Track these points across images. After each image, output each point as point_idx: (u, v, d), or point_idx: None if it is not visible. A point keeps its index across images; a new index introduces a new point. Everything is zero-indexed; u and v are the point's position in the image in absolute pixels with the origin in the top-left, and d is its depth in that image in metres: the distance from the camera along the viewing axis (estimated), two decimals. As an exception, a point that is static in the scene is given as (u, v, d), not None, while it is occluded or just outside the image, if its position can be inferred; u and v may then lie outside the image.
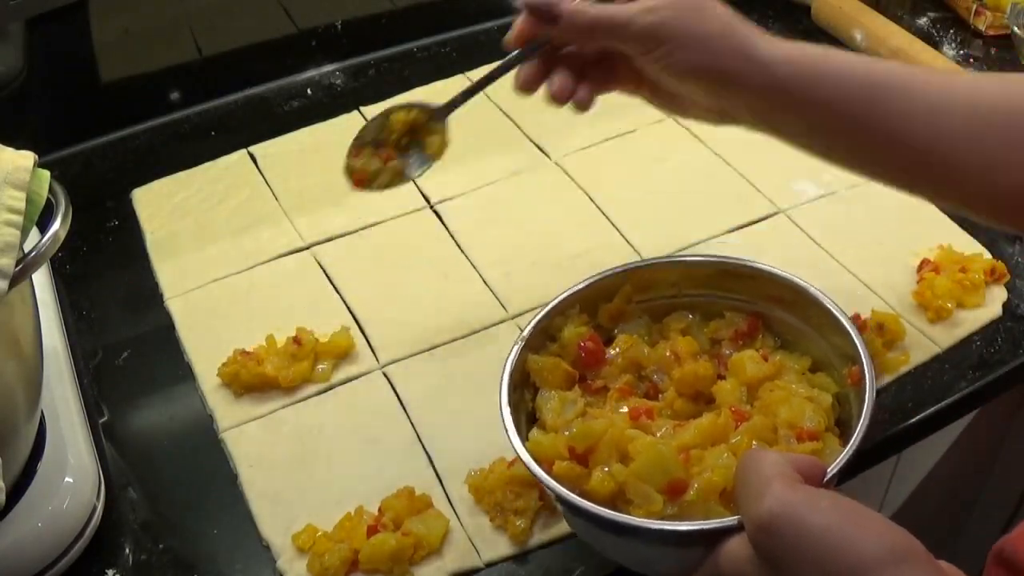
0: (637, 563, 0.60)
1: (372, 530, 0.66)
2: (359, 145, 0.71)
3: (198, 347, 0.82)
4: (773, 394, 0.60)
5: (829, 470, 0.51)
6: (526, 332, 0.64)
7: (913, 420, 0.74)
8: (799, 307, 0.64)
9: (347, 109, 1.07)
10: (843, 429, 0.60)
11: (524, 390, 0.64)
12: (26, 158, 0.59)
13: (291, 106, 1.10)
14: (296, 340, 0.79)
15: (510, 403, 0.60)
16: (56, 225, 0.59)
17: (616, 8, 0.59)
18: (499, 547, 0.67)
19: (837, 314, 0.61)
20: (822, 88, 0.59)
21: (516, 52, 0.63)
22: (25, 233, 0.57)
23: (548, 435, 0.60)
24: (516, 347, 0.64)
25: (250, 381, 0.77)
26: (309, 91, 1.13)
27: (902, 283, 0.82)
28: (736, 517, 0.49)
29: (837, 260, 0.85)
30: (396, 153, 0.71)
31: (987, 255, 0.83)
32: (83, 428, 0.72)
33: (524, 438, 0.60)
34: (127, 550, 0.69)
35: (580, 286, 0.67)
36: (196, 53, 1.09)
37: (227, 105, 1.11)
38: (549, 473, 0.57)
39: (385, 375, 0.79)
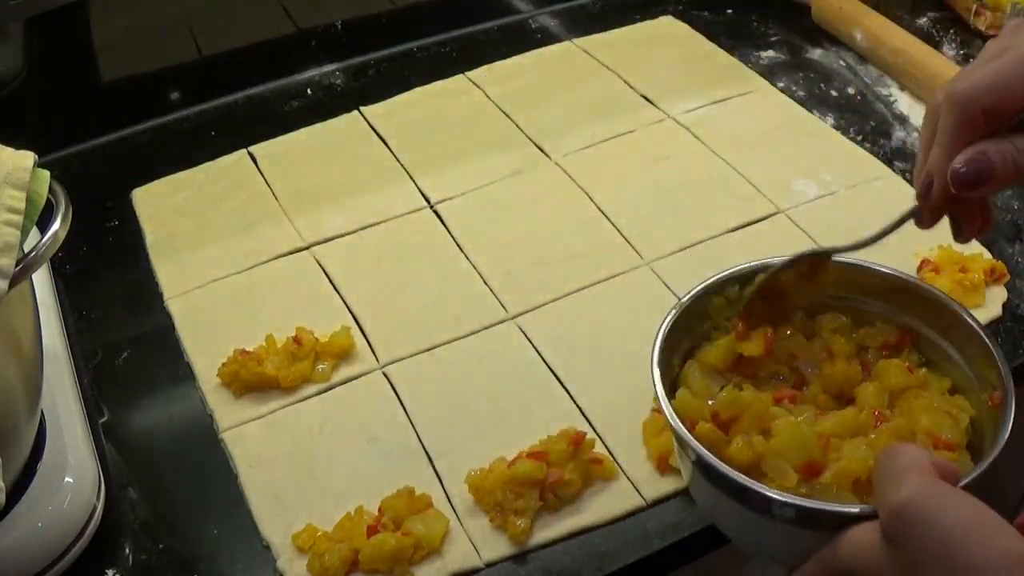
0: (754, 540, 0.60)
1: (372, 530, 0.66)
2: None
3: (198, 347, 0.82)
4: (917, 401, 0.61)
5: (963, 479, 0.52)
6: (685, 299, 0.65)
7: (913, 420, 0.74)
8: (947, 327, 0.64)
9: (347, 109, 1.07)
10: (973, 454, 0.60)
11: (672, 358, 0.65)
12: (26, 158, 0.59)
13: (291, 106, 1.11)
14: (296, 340, 0.79)
15: (659, 364, 0.61)
16: (56, 225, 0.59)
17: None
18: (499, 547, 0.67)
19: (985, 339, 0.61)
20: None
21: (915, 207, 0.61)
22: (25, 233, 0.57)
23: (695, 396, 0.61)
24: (671, 315, 0.64)
25: (250, 381, 0.77)
26: (309, 91, 1.13)
27: (902, 283, 0.82)
28: (868, 506, 0.50)
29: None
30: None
31: (987, 255, 0.83)
32: (83, 428, 0.72)
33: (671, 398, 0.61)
34: (127, 550, 0.69)
35: (741, 268, 0.66)
36: (196, 53, 1.09)
37: (227, 105, 1.11)
38: (692, 432, 0.58)
39: (385, 375, 0.79)
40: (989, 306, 0.80)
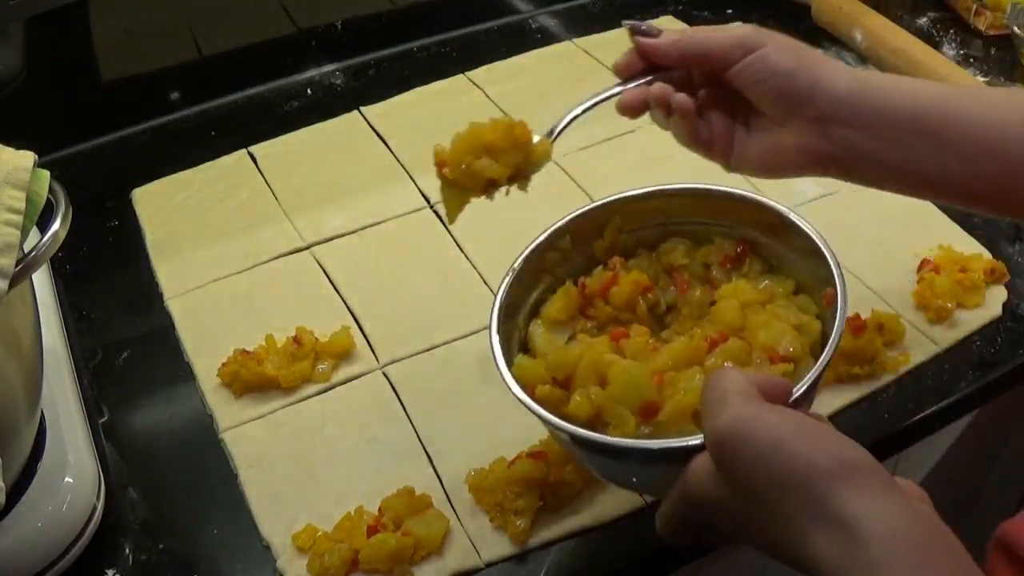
0: (621, 480, 0.62)
1: (372, 530, 0.66)
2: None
3: (198, 347, 0.82)
4: (757, 317, 0.61)
5: (795, 389, 0.52)
6: (517, 264, 0.66)
7: (913, 420, 0.74)
8: (780, 232, 0.65)
9: (347, 109, 1.07)
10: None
11: (517, 319, 0.66)
12: (26, 158, 0.59)
13: (291, 106, 1.11)
14: (296, 340, 0.79)
15: (499, 332, 0.62)
16: (56, 225, 0.59)
17: (705, 30, 0.64)
18: (499, 547, 0.67)
19: (815, 239, 0.62)
20: (890, 107, 0.60)
21: (620, 82, 0.68)
22: (25, 233, 0.57)
23: (533, 360, 0.62)
24: (507, 278, 0.65)
25: (250, 381, 0.77)
26: (309, 91, 1.13)
27: (902, 283, 0.82)
28: (701, 436, 0.50)
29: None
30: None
31: (987, 255, 0.83)
32: (83, 428, 0.72)
33: (512, 364, 0.62)
34: (127, 550, 0.69)
35: (568, 218, 0.68)
36: (196, 53, 1.09)
37: (227, 105, 1.11)
38: (532, 397, 0.59)
39: (385, 375, 0.79)
40: (989, 306, 0.80)
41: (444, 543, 0.67)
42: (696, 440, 0.51)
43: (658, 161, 0.97)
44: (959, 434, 0.93)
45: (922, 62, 1.03)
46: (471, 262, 0.88)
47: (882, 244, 0.86)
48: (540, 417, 0.58)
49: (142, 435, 0.78)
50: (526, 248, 0.67)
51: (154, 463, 0.75)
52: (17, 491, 0.65)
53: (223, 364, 0.78)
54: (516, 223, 0.91)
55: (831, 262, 0.61)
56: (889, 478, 0.44)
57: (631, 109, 0.66)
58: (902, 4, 1.16)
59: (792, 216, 0.64)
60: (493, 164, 0.64)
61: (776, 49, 0.61)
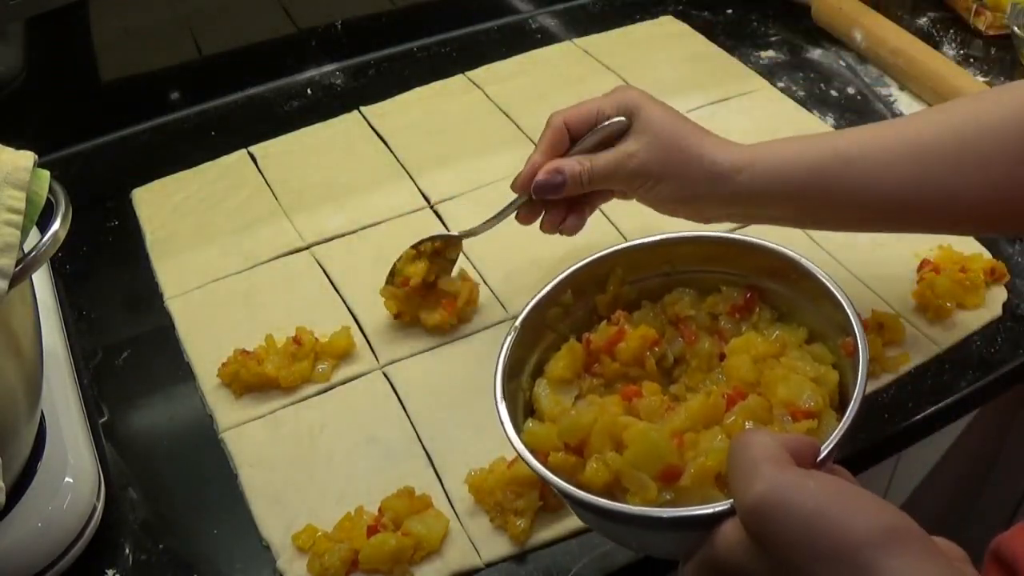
0: (640, 547, 0.60)
1: (372, 530, 0.66)
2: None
3: (198, 347, 0.82)
4: (773, 372, 0.59)
5: (823, 448, 0.51)
6: (518, 323, 0.63)
7: (913, 420, 0.74)
8: (791, 279, 0.63)
9: (347, 109, 1.07)
10: (844, 403, 0.59)
11: (521, 379, 0.63)
12: (26, 158, 0.59)
13: (291, 106, 1.11)
14: (296, 340, 0.79)
15: (504, 395, 0.60)
16: (56, 225, 0.59)
17: (603, 162, 0.71)
18: (499, 547, 0.67)
19: (829, 285, 0.60)
20: (777, 178, 0.68)
21: (520, 196, 0.76)
22: (25, 233, 0.57)
23: (544, 426, 0.60)
24: (509, 338, 0.63)
25: (250, 381, 0.77)
26: (309, 91, 1.13)
27: (902, 283, 0.82)
28: (729, 501, 0.49)
29: (837, 260, 0.85)
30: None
31: (987, 255, 0.83)
32: (83, 428, 0.72)
33: (520, 429, 0.59)
34: (127, 550, 0.69)
35: (569, 271, 0.66)
36: (196, 53, 1.09)
37: (227, 105, 1.11)
38: (545, 464, 0.56)
39: (385, 375, 0.79)
40: (989, 306, 0.80)
41: (444, 543, 0.67)
42: (724, 506, 0.49)
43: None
44: (959, 434, 0.93)
45: (922, 62, 1.03)
46: (471, 262, 0.88)
47: (882, 244, 0.86)
48: (559, 490, 0.55)
49: (142, 435, 0.78)
50: (527, 305, 0.64)
51: (154, 463, 0.75)
52: (17, 491, 0.65)
53: (223, 364, 0.78)
54: (515, 223, 0.91)
55: (847, 308, 0.59)
56: (931, 542, 0.43)
57: (529, 223, 0.77)
58: (902, 4, 1.16)
59: (803, 262, 0.62)
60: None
61: (660, 182, 0.70)
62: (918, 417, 0.74)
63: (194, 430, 0.77)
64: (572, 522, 0.68)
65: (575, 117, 0.73)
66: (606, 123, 0.72)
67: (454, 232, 0.80)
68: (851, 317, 0.58)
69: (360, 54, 1.16)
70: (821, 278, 0.61)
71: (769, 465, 0.46)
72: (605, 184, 0.72)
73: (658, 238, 0.67)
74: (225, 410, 0.77)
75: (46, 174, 0.61)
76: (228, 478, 0.73)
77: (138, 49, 1.06)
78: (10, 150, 0.59)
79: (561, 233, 0.76)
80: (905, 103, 1.04)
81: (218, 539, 0.70)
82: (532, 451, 0.57)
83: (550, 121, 0.74)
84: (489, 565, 0.66)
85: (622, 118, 0.71)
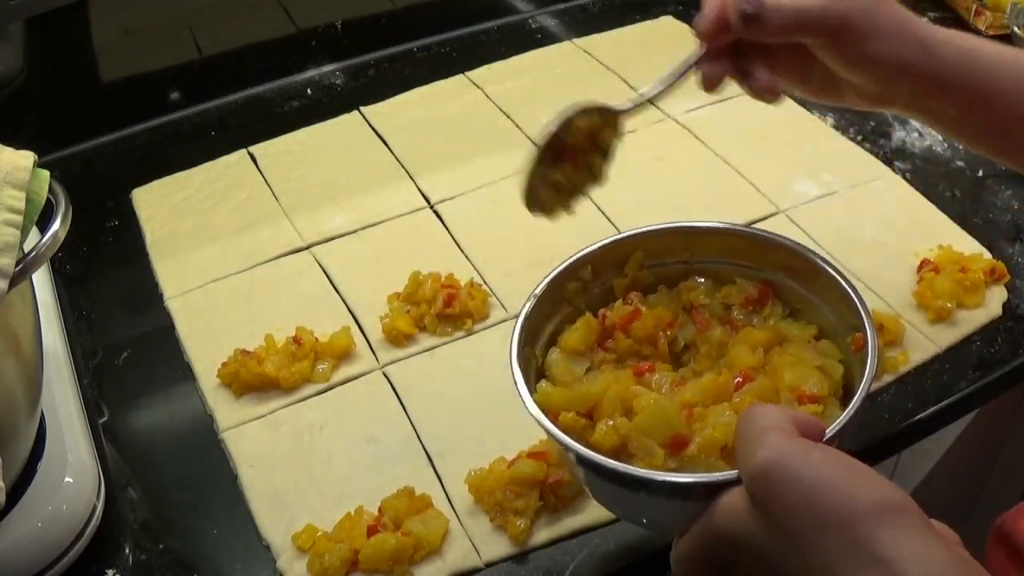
0: (637, 516, 0.60)
1: (372, 530, 0.66)
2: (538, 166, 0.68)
3: (198, 347, 0.82)
4: (781, 358, 0.61)
5: (828, 431, 0.51)
6: (538, 290, 0.64)
7: (913, 420, 0.74)
8: (806, 276, 0.64)
9: (347, 109, 1.07)
10: (848, 397, 0.59)
11: (535, 347, 0.64)
12: (26, 158, 0.59)
13: (291, 106, 1.11)
14: (296, 340, 0.79)
15: (519, 360, 0.60)
16: (56, 225, 0.59)
17: (806, 2, 0.60)
18: (499, 547, 0.67)
19: (843, 283, 0.61)
20: (976, 70, 0.63)
21: (699, 51, 0.64)
22: (25, 233, 0.57)
23: (556, 388, 0.61)
24: (528, 304, 0.64)
25: (250, 381, 0.77)
26: (309, 91, 1.13)
27: (902, 283, 0.82)
28: (734, 472, 0.50)
29: (837, 260, 0.85)
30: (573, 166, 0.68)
31: (987, 255, 0.83)
32: (83, 428, 0.72)
33: (533, 391, 0.60)
34: (127, 550, 0.69)
35: (591, 248, 0.67)
36: (196, 53, 1.09)
37: (227, 105, 1.11)
38: (555, 425, 0.57)
39: (385, 375, 0.79)
40: (989, 306, 0.80)
41: (444, 543, 0.67)
42: (730, 475, 0.50)
43: (658, 161, 0.97)
44: (959, 434, 0.93)
45: (922, 62, 1.03)
46: (471, 262, 0.88)
47: (882, 244, 0.86)
48: (564, 445, 0.56)
49: (142, 435, 0.78)
50: (547, 276, 0.65)
51: (154, 463, 0.75)
52: (17, 491, 0.65)
53: (223, 364, 0.78)
54: (516, 223, 0.92)
55: (860, 308, 0.59)
56: (928, 522, 0.44)
57: (716, 86, 0.65)
58: (902, 4, 1.16)
59: (820, 261, 0.63)
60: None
61: (867, 37, 0.61)
62: (918, 417, 0.74)
63: (194, 430, 0.77)
64: (572, 522, 0.68)
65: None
66: None
67: (616, 104, 0.66)
68: (862, 313, 0.59)
69: (360, 54, 1.16)
70: (838, 278, 0.62)
71: (776, 434, 0.46)
72: (802, 29, 0.61)
73: (680, 225, 0.68)
74: (225, 410, 0.77)
75: (46, 174, 0.61)
76: (228, 478, 0.73)
77: (138, 49, 1.06)
78: (10, 150, 0.59)
79: (762, 97, 0.64)
80: (905, 103, 1.04)
81: (218, 539, 0.70)
82: (544, 411, 0.58)
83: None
84: (489, 565, 0.66)
85: None
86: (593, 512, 0.68)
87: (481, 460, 0.70)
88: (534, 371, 0.63)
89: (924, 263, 0.82)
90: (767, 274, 0.66)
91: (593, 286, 0.67)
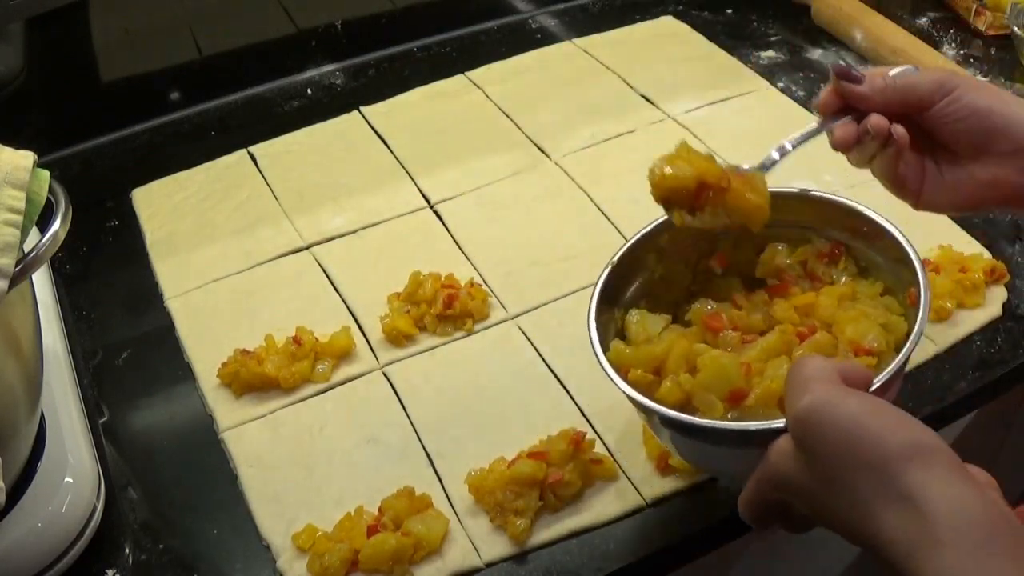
0: (706, 464, 0.65)
1: (372, 530, 0.66)
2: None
3: (198, 347, 0.82)
4: (846, 313, 0.63)
5: (876, 380, 0.54)
6: (616, 257, 0.68)
7: (913, 420, 0.74)
8: (869, 236, 0.68)
9: (347, 109, 1.07)
10: None
11: (612, 309, 0.67)
12: (26, 158, 0.59)
13: (291, 106, 1.11)
14: (296, 340, 0.79)
15: (598, 320, 0.64)
16: (56, 225, 0.59)
17: (905, 73, 0.65)
18: (499, 547, 0.67)
19: (903, 242, 0.65)
20: None
21: (823, 119, 0.68)
22: (25, 233, 0.57)
23: (628, 346, 0.64)
24: (607, 269, 0.67)
25: (250, 381, 0.77)
26: (309, 91, 1.13)
27: (902, 283, 0.82)
28: (777, 420, 0.53)
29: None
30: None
31: (987, 255, 0.83)
32: (83, 428, 0.72)
33: (607, 350, 0.64)
34: (127, 550, 0.69)
35: (666, 217, 0.68)
36: (196, 53, 1.09)
37: (227, 105, 1.11)
38: (626, 380, 0.61)
39: (385, 375, 0.79)
40: (989, 306, 0.80)
41: (444, 543, 0.67)
42: (780, 423, 0.52)
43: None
44: (959, 434, 0.93)
45: (922, 62, 1.03)
46: (471, 262, 0.88)
47: (882, 244, 0.86)
48: (632, 399, 0.60)
49: (142, 435, 0.78)
50: (624, 244, 0.68)
51: (154, 463, 0.75)
52: (17, 491, 0.65)
53: (223, 364, 0.78)
54: (516, 223, 0.92)
55: (916, 265, 0.63)
56: (960, 464, 0.46)
57: (845, 143, 0.67)
58: (902, 4, 1.16)
59: (883, 221, 0.66)
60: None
61: (972, 88, 0.64)
62: (918, 417, 0.74)
63: (194, 430, 0.77)
64: (572, 522, 0.68)
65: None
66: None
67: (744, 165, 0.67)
68: (918, 271, 0.62)
69: (360, 54, 1.16)
70: (897, 236, 0.65)
71: (819, 382, 0.49)
72: (906, 93, 0.64)
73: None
74: (225, 410, 0.77)
75: (46, 174, 0.61)
76: (228, 478, 0.73)
77: (138, 49, 1.06)
78: (10, 150, 0.59)
79: (899, 143, 0.65)
80: (905, 103, 1.04)
81: (218, 539, 0.70)
82: (615, 368, 0.62)
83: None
84: (489, 565, 0.66)
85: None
86: (593, 512, 0.68)
87: (481, 460, 0.70)
88: (613, 332, 0.66)
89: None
90: (836, 235, 0.69)
91: (672, 251, 0.70)
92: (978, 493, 0.44)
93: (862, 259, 0.69)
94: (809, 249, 0.70)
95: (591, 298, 0.65)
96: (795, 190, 0.71)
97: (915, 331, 0.59)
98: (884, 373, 0.56)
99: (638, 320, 0.66)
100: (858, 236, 0.68)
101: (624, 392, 0.60)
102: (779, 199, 0.69)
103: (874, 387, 0.54)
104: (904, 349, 0.58)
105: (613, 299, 0.67)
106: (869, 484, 0.45)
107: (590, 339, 0.63)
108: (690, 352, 0.62)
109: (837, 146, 0.67)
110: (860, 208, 0.68)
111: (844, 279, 0.68)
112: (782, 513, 0.53)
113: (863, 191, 0.91)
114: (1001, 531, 0.42)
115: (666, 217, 0.67)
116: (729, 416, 0.59)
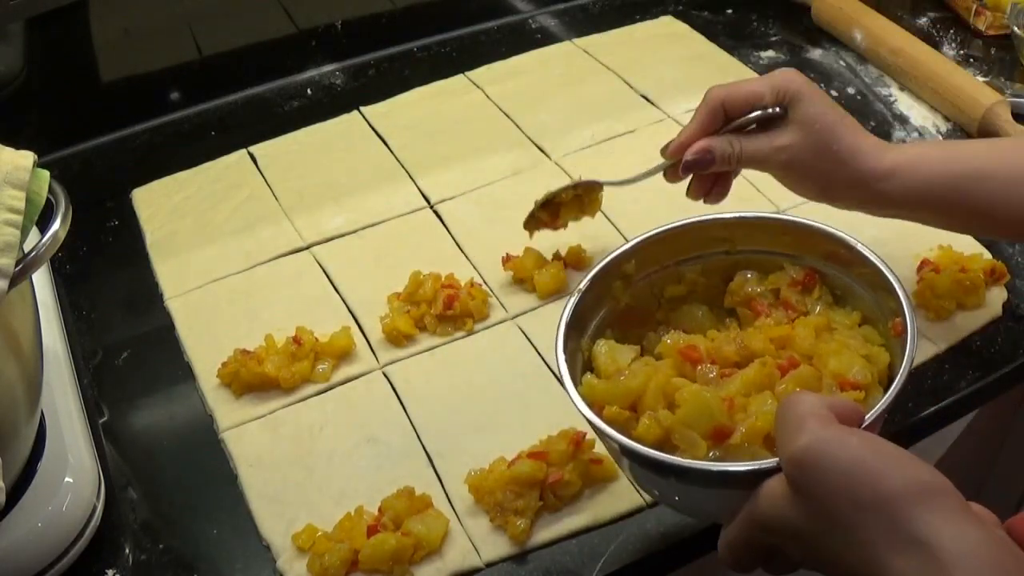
0: (685, 505, 0.61)
1: (372, 530, 0.66)
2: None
3: (198, 347, 0.82)
4: (827, 345, 0.61)
5: (867, 416, 0.53)
6: (583, 285, 0.65)
7: (913, 420, 0.74)
8: (846, 262, 0.66)
9: (347, 109, 1.07)
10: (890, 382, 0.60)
11: (579, 339, 0.65)
12: (26, 158, 0.59)
13: (291, 106, 1.11)
14: (296, 340, 0.79)
15: (565, 351, 0.62)
16: (56, 225, 0.59)
17: (754, 149, 0.72)
18: (499, 547, 0.67)
19: (883, 269, 0.63)
20: (916, 192, 0.70)
21: (667, 160, 0.75)
22: (25, 233, 0.57)
23: (602, 380, 0.61)
24: (573, 298, 0.65)
25: (250, 381, 0.77)
26: (309, 91, 1.13)
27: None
28: (774, 459, 0.51)
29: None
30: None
31: (987, 255, 0.83)
32: (83, 428, 0.72)
33: (579, 383, 0.61)
34: (127, 550, 0.69)
35: (634, 242, 0.68)
36: (196, 53, 1.09)
37: (227, 105, 1.11)
38: (600, 417, 0.58)
39: (385, 375, 0.79)
40: (989, 306, 0.80)
41: (444, 543, 0.67)
42: (771, 463, 0.51)
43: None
44: (959, 434, 0.93)
45: (922, 62, 1.03)
46: (471, 262, 0.88)
47: (882, 244, 0.85)
48: (610, 438, 0.57)
49: (142, 435, 0.78)
50: (590, 271, 0.67)
51: (154, 463, 0.75)
52: (17, 491, 0.65)
53: (223, 364, 0.78)
54: (516, 223, 0.92)
55: (900, 294, 0.61)
56: (966, 504, 0.45)
57: (699, 198, 0.77)
58: (902, 4, 1.16)
59: (860, 247, 0.65)
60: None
61: (806, 178, 0.73)
62: (918, 417, 0.74)
63: (194, 430, 0.77)
64: (572, 522, 0.68)
65: (733, 97, 0.72)
66: (762, 112, 0.71)
67: (600, 179, 0.82)
68: (902, 299, 0.60)
69: (360, 54, 1.16)
70: (877, 263, 0.63)
71: (814, 420, 0.48)
72: (751, 167, 0.74)
73: (722, 216, 0.69)
74: (225, 410, 0.77)
75: (46, 174, 0.61)
76: (228, 478, 0.73)
77: (138, 49, 1.06)
78: (10, 150, 0.59)
79: (705, 202, 0.76)
80: (905, 103, 1.04)
81: (218, 539, 0.70)
82: (588, 404, 0.59)
83: (708, 96, 0.73)
84: (489, 565, 0.66)
85: (779, 109, 0.71)
86: (593, 512, 0.68)
87: (481, 460, 0.70)
88: (581, 363, 0.64)
89: (924, 263, 0.82)
90: (809, 261, 0.68)
91: (638, 279, 0.68)
92: (988, 534, 0.43)
93: (837, 287, 0.67)
94: (781, 276, 0.68)
95: (558, 328, 0.63)
96: (765, 215, 0.70)
97: (904, 364, 0.57)
98: (876, 409, 0.54)
99: (606, 351, 0.64)
100: (833, 262, 0.66)
101: (604, 433, 0.57)
102: (749, 225, 0.68)
103: (866, 423, 0.52)
104: (896, 383, 0.56)
105: (580, 328, 0.65)
106: (874, 526, 0.44)
107: (559, 373, 0.61)
108: (667, 386, 0.59)
109: (668, 180, 0.76)
110: (838, 233, 0.66)
111: (819, 308, 0.66)
112: (767, 556, 0.52)
113: (813, 208, 0.92)
114: (1014, 572, 0.42)
115: (633, 242, 0.68)
116: (712, 455, 0.56)
